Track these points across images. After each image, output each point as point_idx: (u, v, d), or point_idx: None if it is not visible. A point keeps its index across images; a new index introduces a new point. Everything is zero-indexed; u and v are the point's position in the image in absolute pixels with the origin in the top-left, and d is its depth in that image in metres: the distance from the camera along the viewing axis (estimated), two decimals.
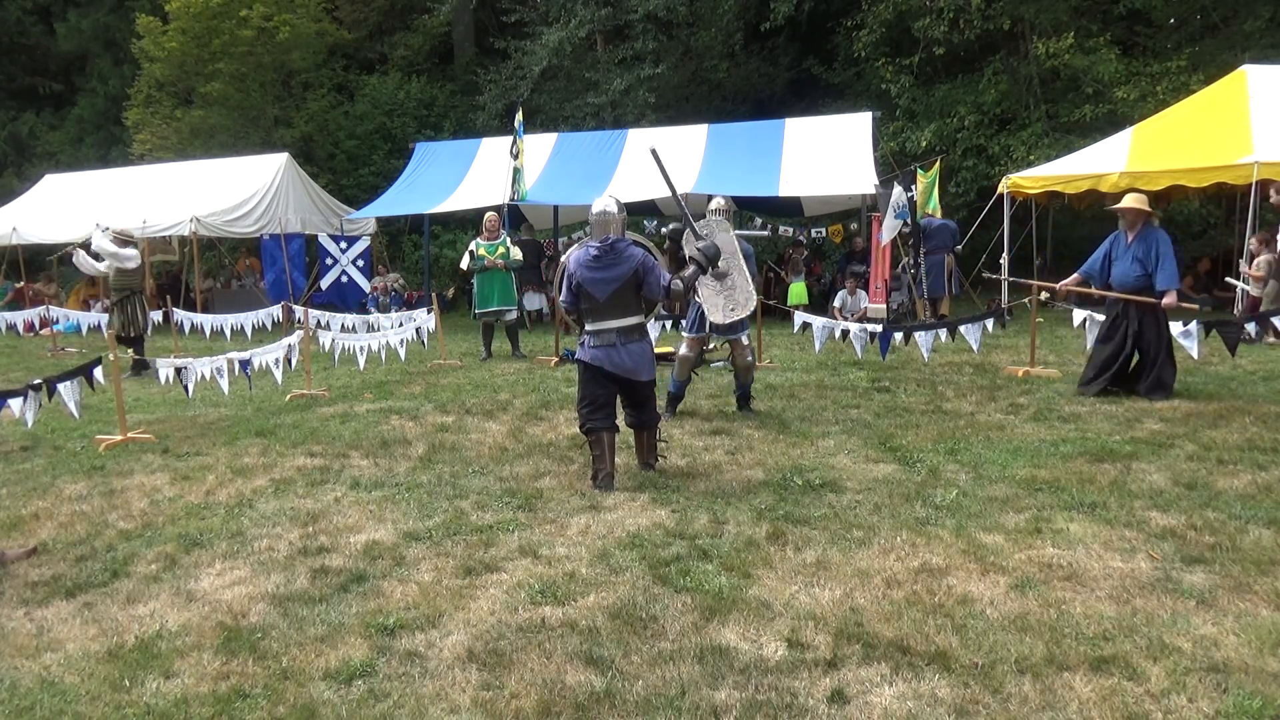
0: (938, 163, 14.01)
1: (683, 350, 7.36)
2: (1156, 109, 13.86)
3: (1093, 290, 7.87)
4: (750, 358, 7.42)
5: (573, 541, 4.52)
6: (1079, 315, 8.90)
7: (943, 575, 3.93)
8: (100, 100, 27.60)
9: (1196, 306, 7.46)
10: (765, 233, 16.38)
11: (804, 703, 2.97)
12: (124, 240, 11.05)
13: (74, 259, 11.28)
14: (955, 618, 3.51)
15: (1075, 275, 8.00)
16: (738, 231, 7.09)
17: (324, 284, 16.11)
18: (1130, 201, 7.59)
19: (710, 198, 7.86)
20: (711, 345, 8.57)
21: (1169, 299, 7.32)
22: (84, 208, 17.06)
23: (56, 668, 3.37)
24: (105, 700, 3.12)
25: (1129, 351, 7.50)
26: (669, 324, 11.28)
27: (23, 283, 18.94)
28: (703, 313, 7.08)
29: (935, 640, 3.33)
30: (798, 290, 15.16)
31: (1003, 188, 13.00)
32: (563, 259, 5.70)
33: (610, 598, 3.80)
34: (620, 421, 5.69)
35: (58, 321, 15.99)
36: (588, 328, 5.59)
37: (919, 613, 3.56)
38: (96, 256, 11.02)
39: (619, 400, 5.69)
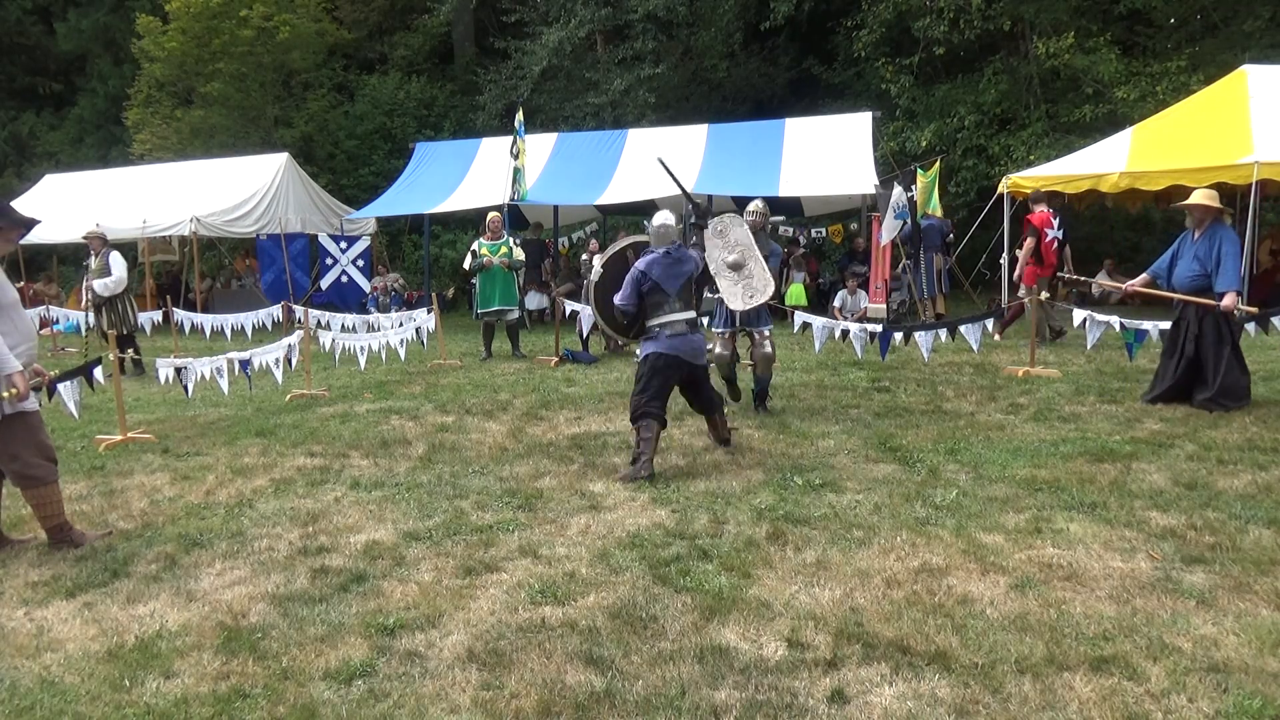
0: (937, 163, 14.01)
1: (718, 350, 7.31)
2: (1156, 109, 13.85)
3: (1160, 291, 7.45)
4: (770, 349, 7.37)
5: (573, 541, 4.52)
6: (1079, 315, 8.91)
7: (943, 575, 3.93)
8: (100, 100, 27.61)
9: (1256, 310, 7.13)
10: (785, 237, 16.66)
11: (804, 703, 2.97)
12: (98, 241, 10.89)
13: (94, 292, 10.95)
14: (955, 618, 3.51)
15: (1144, 275, 7.60)
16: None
17: (324, 284, 16.12)
18: (1197, 198, 7.09)
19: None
20: (711, 345, 8.72)
21: (1228, 300, 6.79)
22: (84, 208, 17.03)
23: (56, 668, 3.37)
24: (105, 700, 3.12)
25: (1192, 357, 7.01)
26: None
27: (23, 283, 18.90)
28: (730, 309, 7.18)
29: (935, 640, 3.33)
30: (796, 291, 15.17)
31: (1003, 188, 13.00)
32: (636, 266, 6.08)
33: (610, 598, 3.80)
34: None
35: (58, 321, 16.00)
36: (657, 323, 5.98)
37: (919, 613, 3.56)
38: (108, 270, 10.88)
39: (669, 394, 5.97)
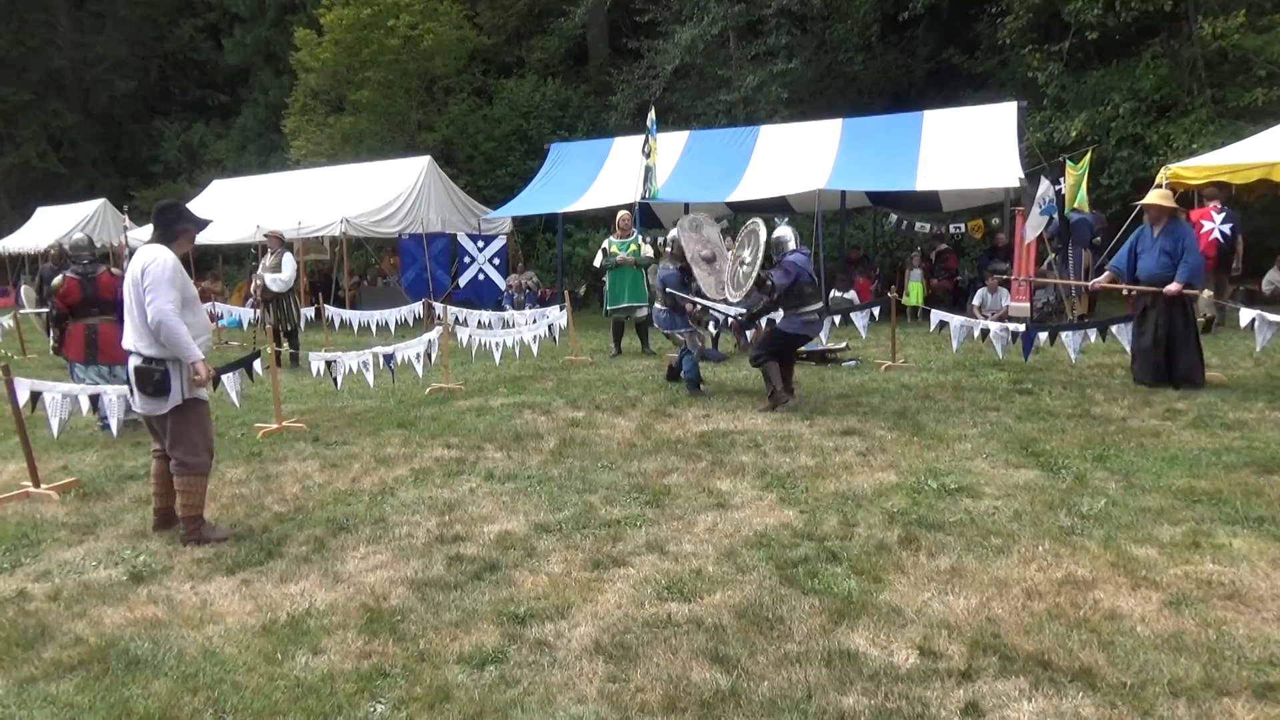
0: (1088, 154, 13.26)
1: (696, 343, 8.73)
2: None
3: (1121, 285, 8.25)
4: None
5: (699, 539, 4.52)
6: (1246, 315, 8.26)
7: (1089, 588, 3.73)
8: (261, 110, 29.53)
9: (1205, 293, 7.76)
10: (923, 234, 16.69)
11: (936, 713, 2.88)
12: (276, 240, 11.75)
13: (264, 286, 11.72)
14: (1102, 633, 3.33)
15: (1106, 273, 8.39)
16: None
17: (462, 282, 16.68)
18: (1153, 198, 8.08)
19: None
20: (845, 344, 10.53)
21: (1171, 287, 7.70)
22: (247, 211, 18.22)
23: (217, 639, 3.62)
24: (260, 672, 3.33)
25: (1163, 341, 7.82)
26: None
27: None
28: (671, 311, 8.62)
29: (1079, 656, 3.16)
30: (915, 289, 14.80)
31: (1161, 179, 12.18)
32: (795, 262, 7.49)
33: (737, 596, 3.79)
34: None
35: (222, 317, 17.13)
36: (800, 310, 7.51)
37: (1062, 626, 3.39)
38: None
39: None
